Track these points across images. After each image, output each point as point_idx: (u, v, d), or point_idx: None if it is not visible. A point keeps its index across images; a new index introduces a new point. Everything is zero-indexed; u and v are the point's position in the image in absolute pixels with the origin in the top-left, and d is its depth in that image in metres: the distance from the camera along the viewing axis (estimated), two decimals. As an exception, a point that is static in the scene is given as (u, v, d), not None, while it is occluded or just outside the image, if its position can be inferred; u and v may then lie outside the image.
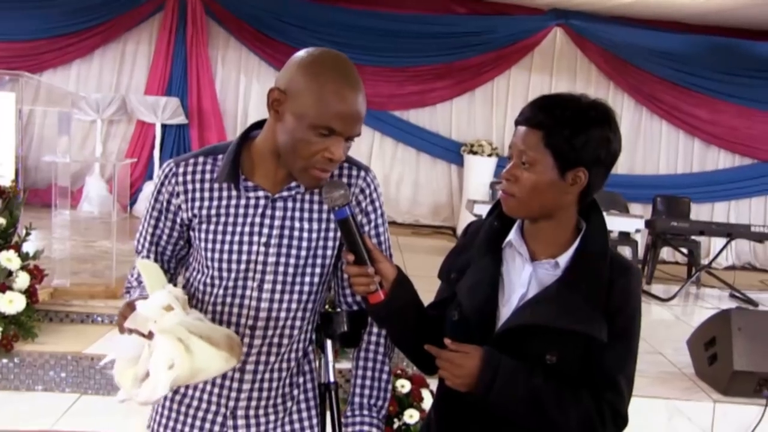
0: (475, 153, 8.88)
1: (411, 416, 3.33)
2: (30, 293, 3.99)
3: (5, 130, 4.26)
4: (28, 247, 4.12)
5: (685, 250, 7.62)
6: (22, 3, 8.45)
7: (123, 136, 8.89)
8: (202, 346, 1.40)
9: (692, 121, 9.11)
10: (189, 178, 1.61)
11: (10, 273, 3.96)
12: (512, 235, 1.61)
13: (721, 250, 7.29)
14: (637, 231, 6.95)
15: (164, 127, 8.59)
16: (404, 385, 3.39)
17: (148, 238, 1.69)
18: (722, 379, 4.02)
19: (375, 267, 1.56)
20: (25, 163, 7.95)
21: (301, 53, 1.54)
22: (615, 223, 6.82)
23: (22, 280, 3.96)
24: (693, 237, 7.36)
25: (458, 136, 9.30)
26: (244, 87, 9.08)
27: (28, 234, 4.11)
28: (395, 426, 3.33)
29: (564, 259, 1.55)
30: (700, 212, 8.79)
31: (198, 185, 1.61)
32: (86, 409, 3.73)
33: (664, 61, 8.89)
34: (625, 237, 7.07)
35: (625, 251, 7.27)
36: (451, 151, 9.25)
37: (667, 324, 5.73)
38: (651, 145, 9.31)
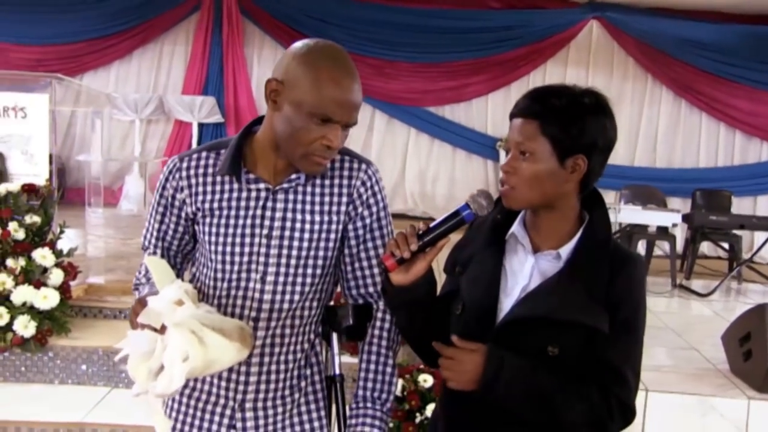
0: (510, 148, 8.81)
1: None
2: (64, 289, 4.08)
3: (40, 131, 4.37)
4: (63, 245, 4.21)
5: (726, 245, 7.45)
6: (62, 7, 8.68)
7: (161, 135, 9.07)
8: (215, 338, 1.43)
9: (733, 112, 8.91)
10: (192, 172, 1.64)
11: (45, 270, 4.06)
12: (515, 227, 1.60)
13: (763, 244, 7.08)
14: (674, 225, 6.80)
15: (201, 126, 8.72)
16: (426, 380, 3.38)
17: (155, 234, 1.72)
18: (757, 375, 3.91)
19: (419, 254, 1.52)
20: (68, 164, 8.21)
21: (297, 44, 1.56)
22: (651, 218, 6.69)
23: (56, 276, 4.06)
24: (734, 231, 7.18)
25: (494, 131, 9.24)
26: (279, 85, 9.13)
27: (62, 232, 4.21)
28: (417, 420, 3.33)
29: (566, 250, 1.54)
30: (741, 206, 8.58)
31: (201, 179, 1.64)
32: (117, 402, 3.80)
33: (703, 52, 8.71)
34: (663, 232, 6.93)
35: (664, 246, 7.14)
36: (487, 147, 9.21)
37: (705, 320, 5.61)
38: (690, 137, 9.13)
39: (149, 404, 1.49)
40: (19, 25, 8.55)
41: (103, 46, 8.82)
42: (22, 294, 3.93)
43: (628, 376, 1.51)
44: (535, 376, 1.48)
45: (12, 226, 4.03)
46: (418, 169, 9.40)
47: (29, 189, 4.19)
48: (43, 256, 4.05)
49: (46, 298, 3.96)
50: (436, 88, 9.23)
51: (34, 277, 4.01)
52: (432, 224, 1.53)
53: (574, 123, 1.48)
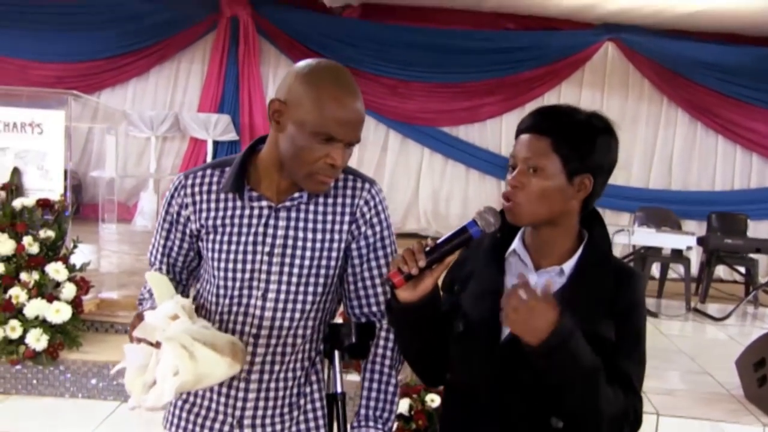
0: (524, 169, 8.80)
1: (441, 431, 3.31)
2: (76, 304, 4.10)
3: (55, 146, 4.43)
4: (76, 260, 4.24)
5: (742, 269, 7.39)
6: (82, 26, 8.83)
7: (177, 152, 9.16)
8: (206, 353, 1.43)
9: (750, 135, 8.89)
10: (197, 189, 1.66)
11: (57, 284, 4.09)
12: (516, 245, 1.61)
13: (778, 269, 7.05)
14: (689, 248, 6.77)
15: (216, 143, 8.79)
16: (434, 400, 3.37)
17: (160, 249, 1.74)
18: (772, 402, 3.88)
19: (426, 270, 1.51)
20: (84, 180, 8.30)
21: (299, 64, 1.57)
22: (665, 240, 6.67)
23: (69, 290, 4.08)
24: (750, 255, 7.13)
25: (508, 151, 8.99)
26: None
27: (75, 246, 4.24)
28: (425, 441, 3.32)
29: (569, 266, 1.55)
30: (758, 229, 8.52)
31: (205, 196, 1.65)
32: (126, 417, 3.80)
33: (719, 74, 8.71)
34: (677, 254, 6.90)
35: (678, 269, 7.10)
36: (501, 167, 9.19)
37: (719, 344, 5.57)
38: (706, 160, 9.12)
39: (142, 417, 1.50)
40: (40, 43, 8.71)
41: (120, 63, 8.95)
42: (35, 307, 3.95)
43: (636, 387, 1.53)
44: (592, 354, 1.44)
45: (26, 240, 4.07)
46: (432, 189, 9.43)
47: (44, 204, 4.22)
48: (56, 270, 4.08)
49: (59, 312, 3.98)
50: (451, 108, 9.27)
51: (47, 291, 4.03)
52: (439, 240, 1.53)
53: (586, 143, 1.50)
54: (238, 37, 8.93)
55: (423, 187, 9.41)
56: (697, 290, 7.24)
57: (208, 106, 8.94)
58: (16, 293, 3.96)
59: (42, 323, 3.96)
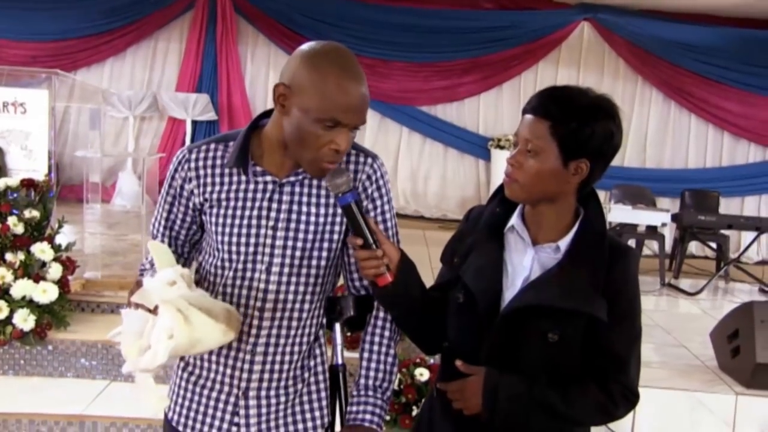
0: (502, 148, 8.89)
1: (429, 404, 3.38)
2: (62, 284, 4.11)
3: (39, 126, 4.40)
4: (61, 240, 4.24)
5: (713, 245, 7.55)
6: (56, 4, 8.67)
7: (155, 132, 9.08)
8: (201, 318, 1.46)
9: (722, 114, 9.01)
10: (201, 164, 1.68)
11: (43, 264, 4.09)
12: (514, 220, 1.67)
13: (750, 244, 7.22)
14: (664, 225, 6.89)
15: (195, 123, 8.75)
16: (423, 374, 3.45)
17: (163, 222, 1.75)
18: (745, 371, 3.99)
19: (373, 246, 1.59)
20: (61, 160, 8.20)
21: (304, 47, 1.58)
22: (641, 217, 6.78)
23: (55, 270, 4.09)
24: (721, 231, 7.28)
25: (485, 130, 9.32)
26: (273, 83, 9.04)
27: (60, 227, 4.24)
28: (414, 413, 3.39)
29: (564, 242, 1.62)
30: (729, 206, 8.68)
31: (209, 170, 1.67)
32: (116, 395, 3.84)
33: (694, 55, 8.81)
34: (652, 231, 7.03)
35: (653, 245, 7.23)
36: (479, 146, 9.28)
37: (693, 318, 5.70)
38: (679, 139, 9.23)
39: (138, 382, 1.54)
40: (13, 21, 8.56)
41: (97, 42, 8.83)
42: (22, 288, 3.96)
43: (629, 362, 1.60)
44: (532, 389, 1.56)
45: (11, 220, 4.06)
46: (410, 168, 9.46)
47: (28, 184, 4.21)
48: (41, 250, 4.08)
49: (46, 292, 3.99)
50: (429, 87, 9.29)
51: (33, 271, 4.03)
52: (354, 232, 1.59)
53: (584, 129, 1.53)
54: (215, 16, 8.85)
55: (401, 166, 9.44)
56: (671, 266, 7.38)
57: (186, 85, 8.87)
58: (2, 274, 3.97)
59: (29, 303, 3.97)
